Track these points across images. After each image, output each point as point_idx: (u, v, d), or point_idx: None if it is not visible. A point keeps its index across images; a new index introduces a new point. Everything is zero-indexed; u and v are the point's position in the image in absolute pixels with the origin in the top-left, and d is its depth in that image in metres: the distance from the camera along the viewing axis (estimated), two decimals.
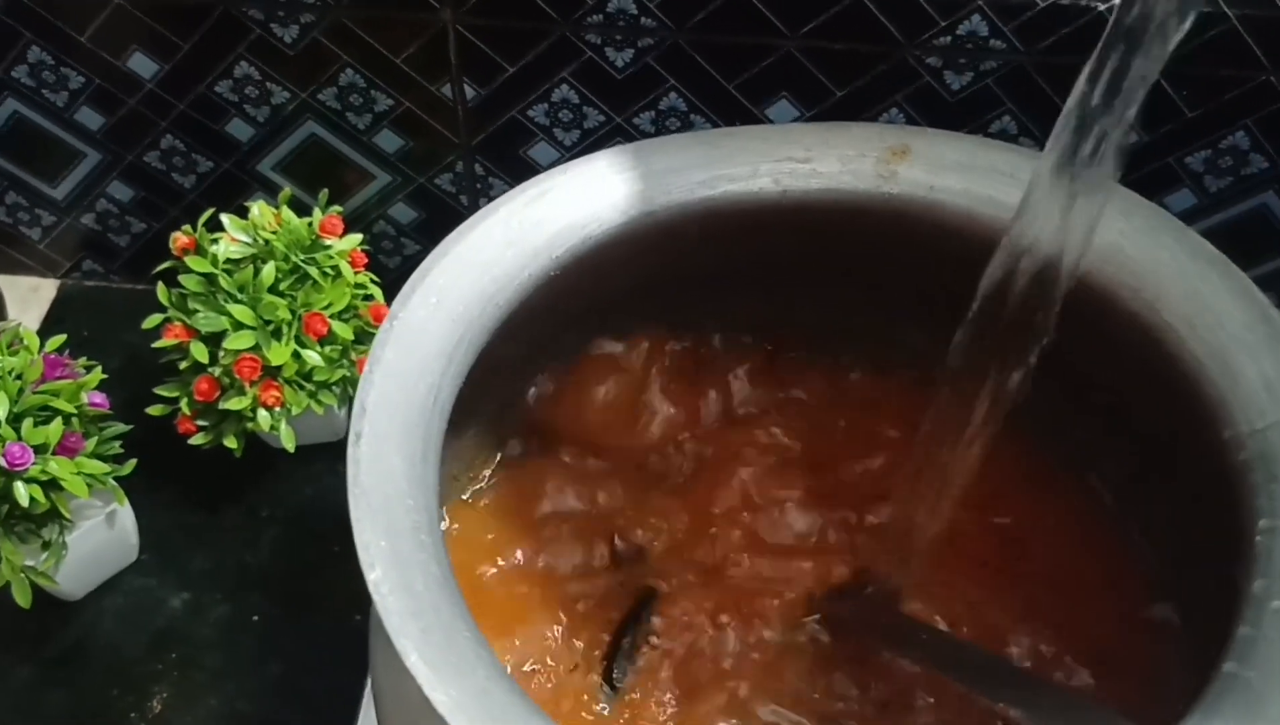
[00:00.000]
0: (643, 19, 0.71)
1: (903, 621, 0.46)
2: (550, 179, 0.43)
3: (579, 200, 0.43)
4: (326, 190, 0.78)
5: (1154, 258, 0.42)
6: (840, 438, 0.51)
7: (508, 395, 0.50)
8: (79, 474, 0.71)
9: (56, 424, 0.70)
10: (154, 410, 0.78)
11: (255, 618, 0.79)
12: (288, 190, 0.78)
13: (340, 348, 0.76)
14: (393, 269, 0.90)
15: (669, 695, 0.45)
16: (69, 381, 0.72)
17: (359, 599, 0.79)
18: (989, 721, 0.42)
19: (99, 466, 0.72)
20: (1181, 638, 0.43)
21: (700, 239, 0.46)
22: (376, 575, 0.33)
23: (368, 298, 0.78)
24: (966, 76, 0.72)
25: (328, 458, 0.85)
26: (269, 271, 0.74)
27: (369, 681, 0.71)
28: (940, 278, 0.47)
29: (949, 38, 0.70)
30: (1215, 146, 0.74)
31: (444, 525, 0.49)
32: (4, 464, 0.67)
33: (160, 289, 0.77)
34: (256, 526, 0.83)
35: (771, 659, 0.46)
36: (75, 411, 0.72)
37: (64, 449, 0.71)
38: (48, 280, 0.94)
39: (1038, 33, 0.70)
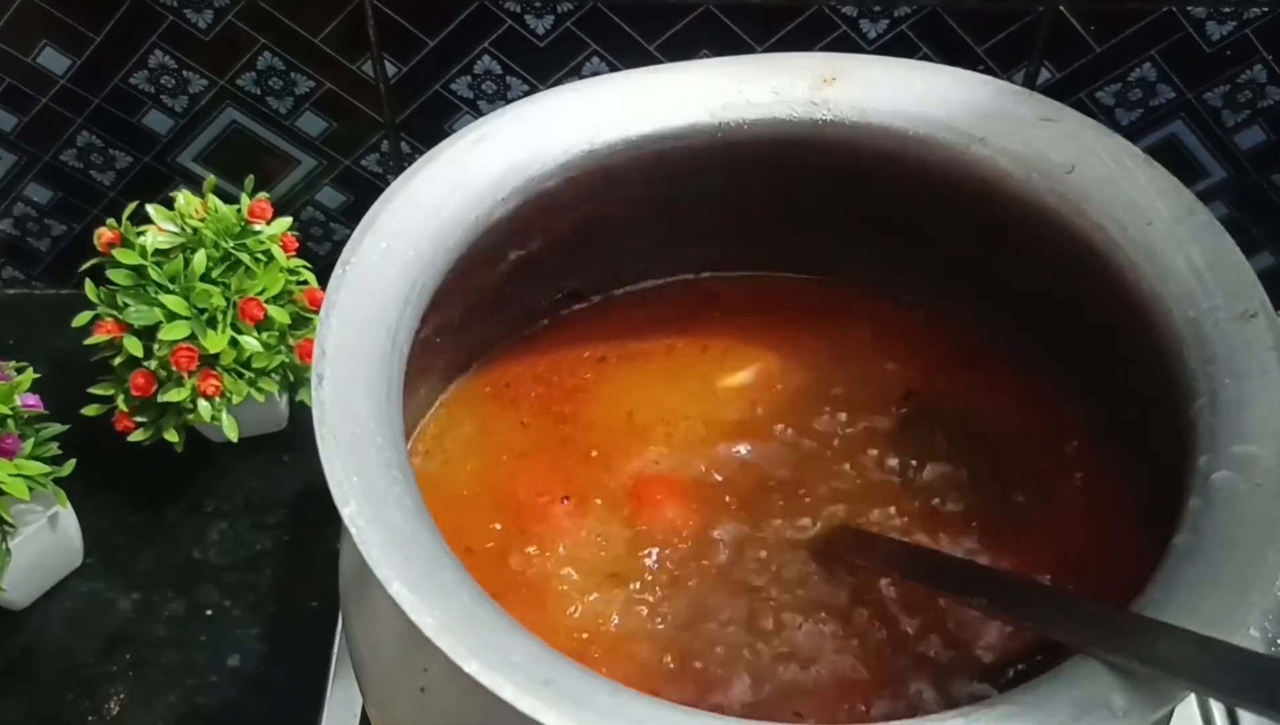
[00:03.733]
0: None
1: (861, 536, 0.47)
2: (489, 122, 0.43)
3: (519, 141, 0.43)
4: (252, 176, 0.78)
5: (1079, 161, 0.43)
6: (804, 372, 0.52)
7: (466, 342, 0.50)
8: (17, 476, 0.69)
9: None
10: (90, 410, 0.77)
11: (209, 612, 0.79)
12: (212, 178, 0.77)
13: (278, 333, 0.76)
14: (323, 256, 0.90)
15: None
16: (1, 383, 0.71)
17: (313, 586, 0.79)
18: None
19: (38, 467, 0.71)
20: (1140, 524, 0.45)
21: (641, 178, 0.47)
22: (351, 509, 0.33)
23: (302, 283, 0.77)
24: (882, 24, 0.74)
25: (271, 448, 0.84)
26: (200, 259, 0.73)
27: (334, 649, 0.71)
28: (880, 202, 0.49)
29: None
30: (1124, 80, 0.76)
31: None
32: None
33: (88, 286, 0.75)
34: (203, 522, 0.82)
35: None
36: (10, 413, 0.70)
37: (1, 451, 0.69)
38: None
39: None
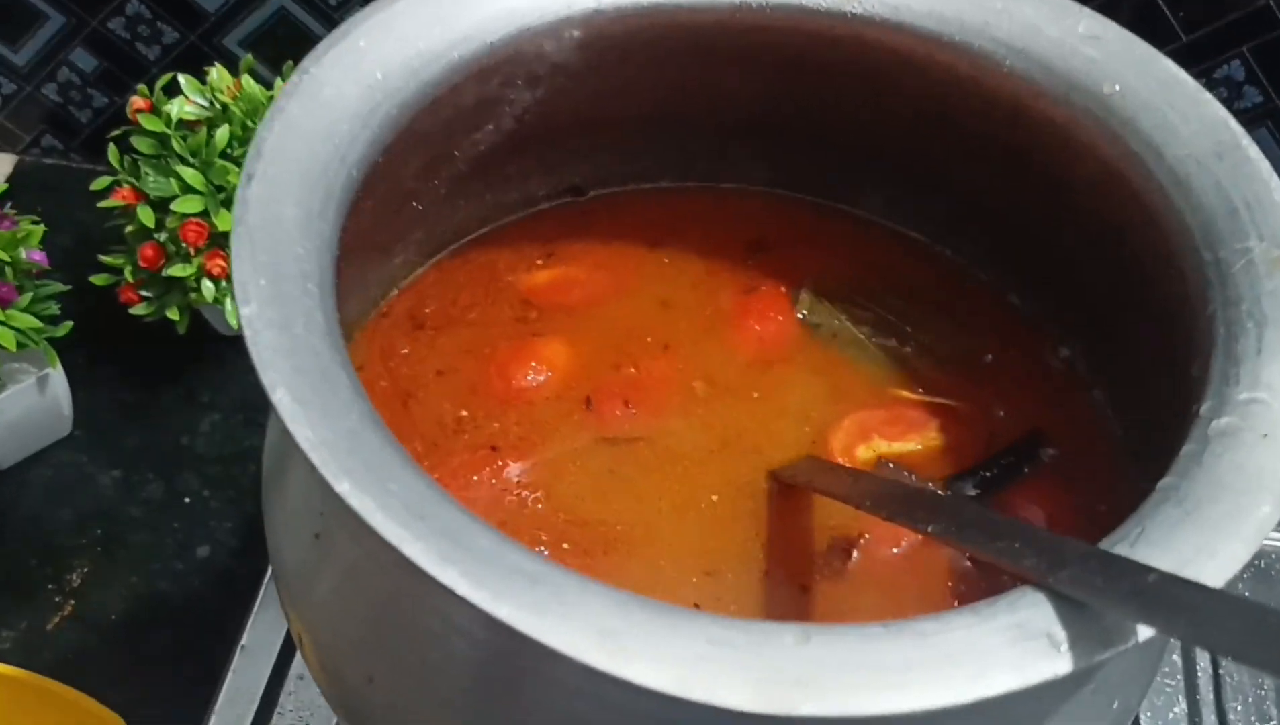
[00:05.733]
0: None
1: (830, 469, 0.44)
2: None
3: None
4: (291, 62, 0.75)
5: (1122, 82, 0.39)
6: None
7: (450, 215, 0.47)
8: (7, 326, 0.68)
9: None
10: (97, 278, 0.75)
11: (187, 500, 0.77)
12: (249, 58, 0.75)
13: None
14: None
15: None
16: (6, 231, 0.70)
17: None
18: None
19: (30, 321, 0.69)
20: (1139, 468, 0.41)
21: (648, 59, 0.44)
22: (251, 310, 0.30)
23: None
24: None
25: None
26: (223, 135, 0.72)
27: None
28: (901, 118, 0.45)
29: None
30: (1210, 76, 0.72)
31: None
32: None
33: (112, 151, 0.74)
34: (196, 411, 0.81)
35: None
36: (9, 261, 0.69)
37: None
38: (4, 155, 0.92)
39: None
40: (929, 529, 0.34)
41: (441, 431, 0.43)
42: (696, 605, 0.40)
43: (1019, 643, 0.27)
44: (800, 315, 0.49)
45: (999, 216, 0.46)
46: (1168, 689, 0.56)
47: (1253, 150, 0.37)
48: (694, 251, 0.50)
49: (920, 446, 0.47)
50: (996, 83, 0.42)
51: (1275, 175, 0.37)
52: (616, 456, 0.44)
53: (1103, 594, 0.27)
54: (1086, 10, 0.41)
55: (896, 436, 0.47)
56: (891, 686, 0.27)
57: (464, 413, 0.43)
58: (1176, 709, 0.56)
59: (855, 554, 0.43)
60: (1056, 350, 0.48)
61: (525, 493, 0.43)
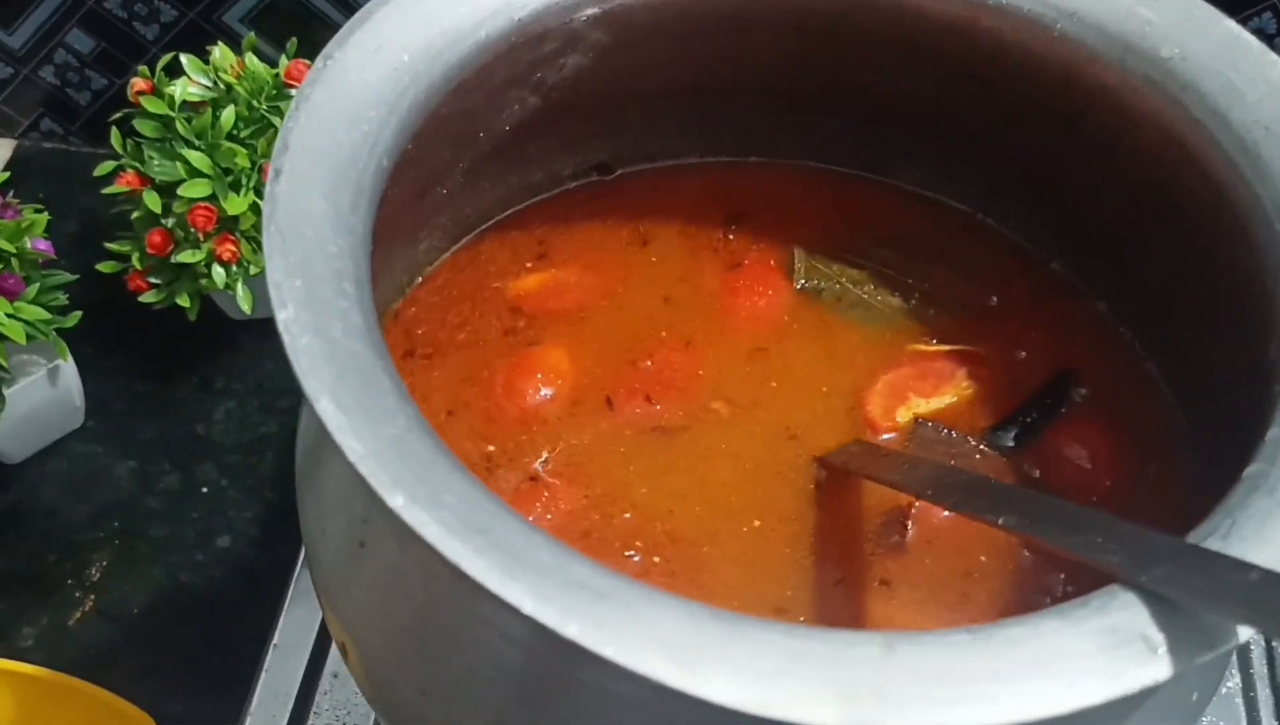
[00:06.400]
0: None
1: (884, 455, 0.42)
2: None
3: None
4: (296, 39, 0.73)
5: (1182, 45, 0.37)
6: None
7: (475, 197, 0.45)
8: (15, 318, 0.66)
9: None
10: (105, 266, 0.74)
11: (205, 490, 0.75)
12: (252, 36, 0.73)
13: None
14: None
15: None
16: (9, 221, 0.68)
17: None
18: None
19: (39, 312, 0.67)
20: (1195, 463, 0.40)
21: (677, 32, 0.42)
22: (288, 315, 0.29)
23: None
24: None
25: None
26: (228, 115, 0.70)
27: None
28: (942, 90, 0.43)
29: None
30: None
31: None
32: None
33: (114, 135, 0.72)
34: (211, 398, 0.79)
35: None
36: (15, 252, 0.67)
37: (1, 290, 0.66)
38: (4, 140, 0.90)
39: None
40: (1000, 522, 0.33)
41: (477, 474, 0.41)
42: (779, 610, 0.38)
43: (1114, 648, 0.26)
44: (799, 285, 0.48)
45: (1046, 187, 0.45)
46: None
47: None
48: (679, 235, 0.48)
49: (955, 398, 0.46)
50: (1046, 48, 0.40)
51: None
52: (668, 448, 0.42)
53: (1202, 595, 0.26)
54: None
55: (930, 392, 0.46)
56: (981, 698, 0.25)
57: (491, 448, 0.41)
58: (1230, 684, 0.55)
59: (910, 525, 0.42)
60: (1094, 304, 0.47)
61: (592, 514, 0.41)
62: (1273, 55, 0.37)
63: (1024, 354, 0.46)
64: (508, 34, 0.38)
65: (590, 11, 0.40)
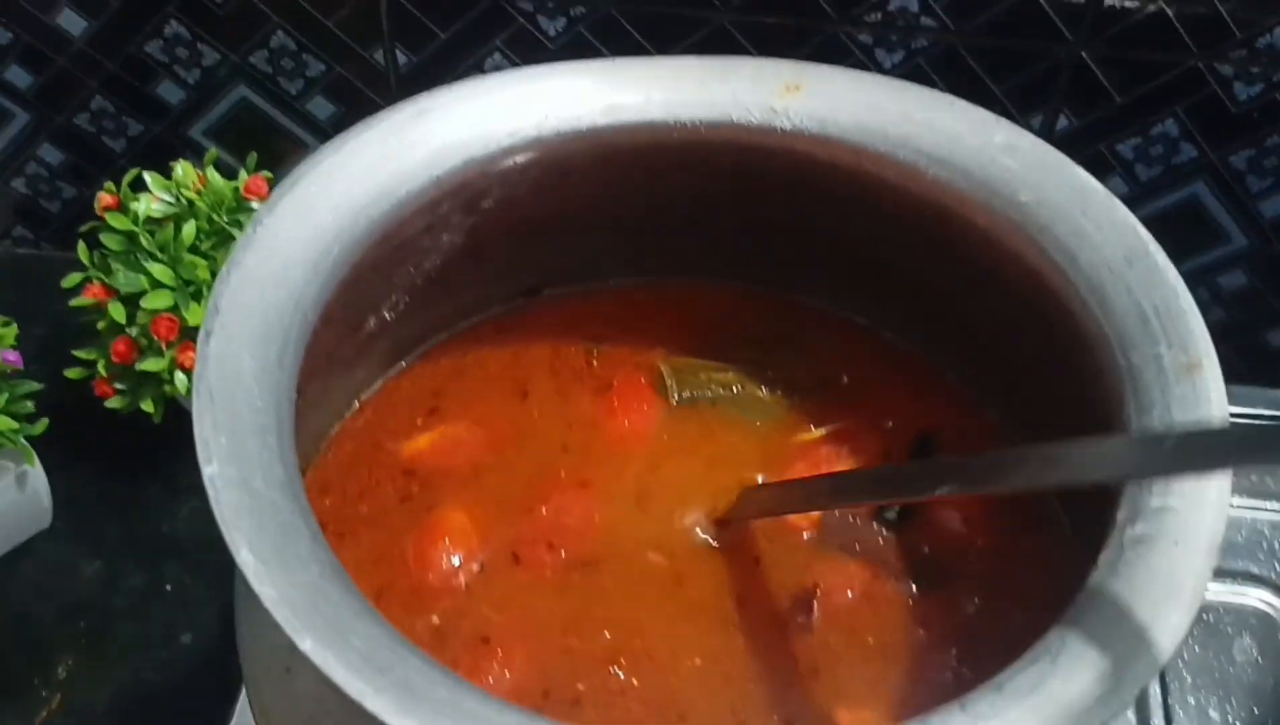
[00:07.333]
0: None
1: (782, 486, 0.46)
2: (433, 97, 0.42)
3: (462, 120, 0.42)
4: (255, 153, 0.77)
5: (1039, 191, 0.41)
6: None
7: (410, 329, 0.49)
8: None
9: None
10: (71, 373, 0.77)
11: (169, 588, 0.78)
12: (214, 151, 0.77)
13: None
14: None
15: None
16: None
17: None
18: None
19: (7, 422, 0.70)
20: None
21: (589, 173, 0.45)
22: (212, 469, 0.32)
23: None
24: (898, 55, 0.72)
25: None
26: (190, 230, 0.73)
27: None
28: (833, 216, 0.47)
29: (879, 14, 0.70)
30: (1146, 134, 0.74)
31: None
32: None
33: (81, 248, 0.75)
34: (175, 496, 0.82)
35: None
36: None
37: None
38: None
39: (968, 12, 0.70)
40: (937, 492, 0.36)
41: (434, 645, 0.43)
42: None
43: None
44: (675, 399, 0.51)
45: (933, 298, 0.49)
46: None
47: (1160, 257, 0.39)
48: (549, 374, 0.52)
49: None
50: (922, 189, 0.44)
51: (1182, 282, 0.39)
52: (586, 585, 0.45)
53: (1140, 467, 0.32)
54: (1004, 121, 0.43)
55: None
56: None
57: (435, 619, 0.44)
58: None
59: (815, 606, 0.45)
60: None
61: (548, 658, 0.43)
62: (1116, 201, 0.41)
63: (890, 423, 0.50)
64: (427, 189, 0.42)
65: (506, 165, 0.43)
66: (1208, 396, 0.36)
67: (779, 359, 0.52)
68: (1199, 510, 0.33)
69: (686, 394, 0.50)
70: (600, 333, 0.52)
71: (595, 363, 0.51)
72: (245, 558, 0.30)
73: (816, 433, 0.50)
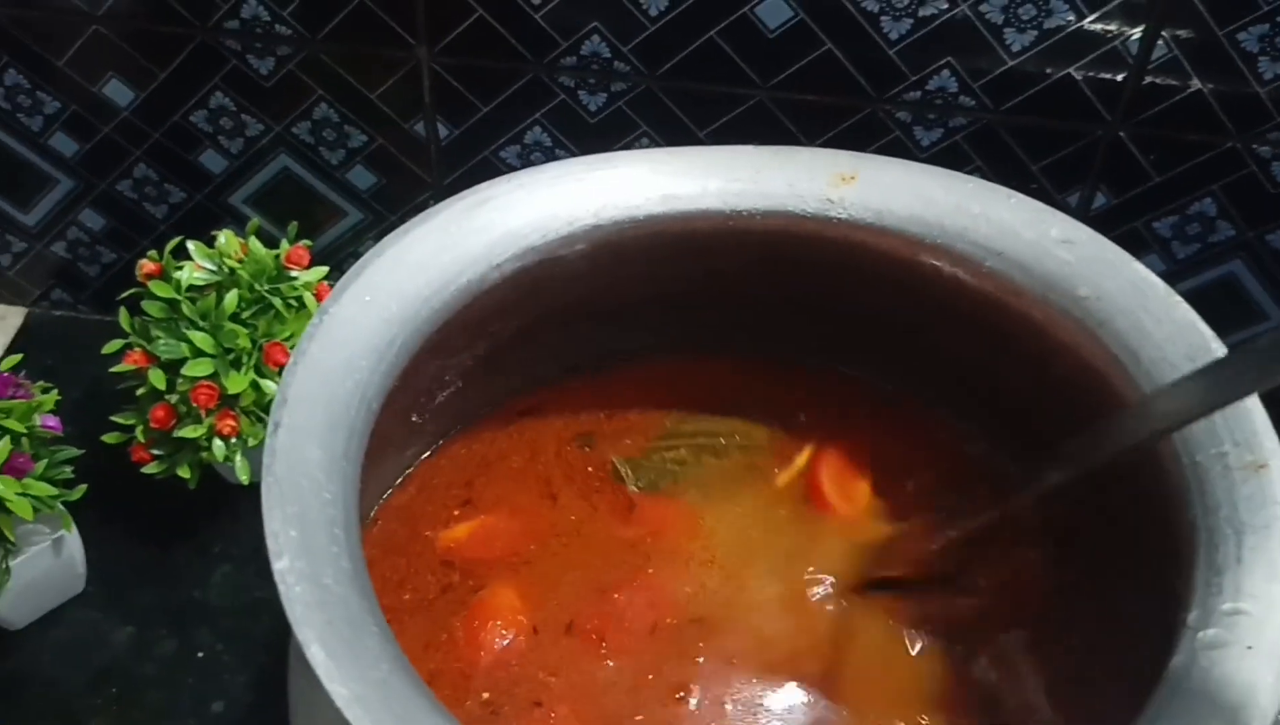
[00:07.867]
0: (616, 63, 0.71)
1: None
2: (493, 187, 0.43)
3: (521, 209, 0.42)
4: (296, 223, 0.78)
5: (1098, 287, 0.41)
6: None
7: (458, 407, 0.49)
8: (24, 495, 0.69)
9: (4, 443, 0.69)
10: (109, 438, 0.77)
11: (200, 654, 0.77)
12: (255, 220, 0.77)
13: None
14: None
15: None
16: (21, 401, 0.71)
17: None
18: None
19: (46, 488, 0.71)
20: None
21: (646, 258, 0.46)
22: (283, 564, 0.32)
23: None
24: (936, 133, 0.73)
25: None
26: (231, 299, 0.74)
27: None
28: (887, 303, 0.47)
29: (919, 93, 0.71)
30: (1183, 212, 0.74)
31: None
32: None
33: (123, 314, 0.76)
34: (208, 563, 0.82)
35: None
36: (26, 432, 0.71)
37: (11, 469, 0.69)
38: (15, 308, 0.94)
39: (1006, 91, 0.70)
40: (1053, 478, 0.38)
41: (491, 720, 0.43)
42: None
43: None
44: (632, 490, 0.51)
45: (987, 386, 0.49)
46: None
47: (1221, 352, 0.39)
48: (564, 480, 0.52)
49: None
50: (978, 281, 0.44)
51: None
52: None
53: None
54: (1059, 214, 0.43)
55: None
56: None
57: (486, 695, 0.44)
58: None
59: None
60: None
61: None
62: (1176, 296, 0.41)
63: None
64: (487, 277, 0.42)
65: (565, 252, 0.44)
66: (1275, 496, 0.36)
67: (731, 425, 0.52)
68: (1272, 613, 0.33)
69: (640, 481, 0.51)
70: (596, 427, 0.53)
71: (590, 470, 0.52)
72: (316, 654, 0.30)
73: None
